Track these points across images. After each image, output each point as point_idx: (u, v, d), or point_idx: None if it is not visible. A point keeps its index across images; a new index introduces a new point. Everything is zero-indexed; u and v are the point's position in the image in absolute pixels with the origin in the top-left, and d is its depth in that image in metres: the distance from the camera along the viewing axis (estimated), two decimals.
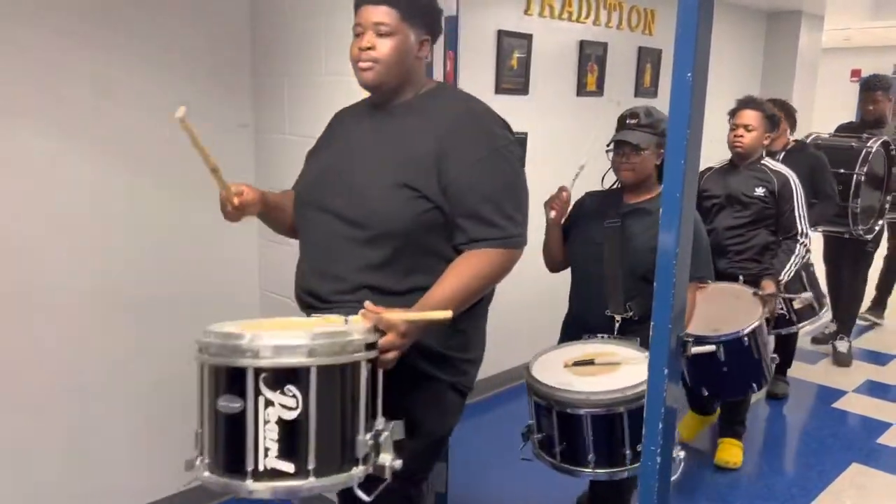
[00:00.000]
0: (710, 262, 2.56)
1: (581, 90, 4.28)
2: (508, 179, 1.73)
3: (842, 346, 4.77)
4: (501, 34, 3.75)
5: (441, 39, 2.41)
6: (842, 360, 4.71)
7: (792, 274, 3.21)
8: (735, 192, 3.28)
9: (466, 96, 1.86)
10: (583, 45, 4.23)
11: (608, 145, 2.47)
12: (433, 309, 1.58)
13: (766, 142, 3.33)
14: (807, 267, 3.55)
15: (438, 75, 2.42)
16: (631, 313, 2.39)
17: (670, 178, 1.52)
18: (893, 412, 4.00)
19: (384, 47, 1.71)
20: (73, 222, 2.46)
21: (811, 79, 5.80)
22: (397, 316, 1.52)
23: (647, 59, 4.69)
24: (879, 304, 5.55)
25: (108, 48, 2.46)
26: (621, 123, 2.45)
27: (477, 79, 3.65)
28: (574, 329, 2.56)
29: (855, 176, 4.00)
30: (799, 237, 3.23)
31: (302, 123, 2.69)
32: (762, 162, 3.31)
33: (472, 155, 1.68)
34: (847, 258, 4.65)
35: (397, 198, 1.67)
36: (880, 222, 4.39)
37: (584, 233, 2.53)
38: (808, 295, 3.39)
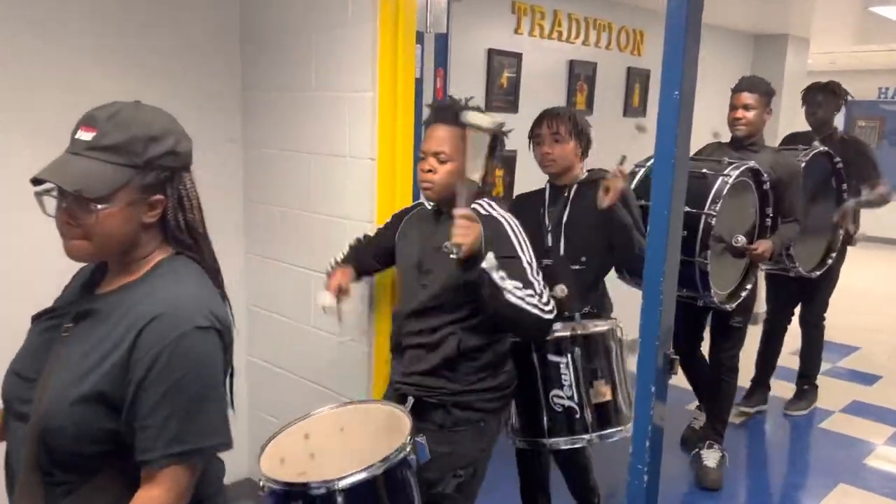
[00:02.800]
0: (224, 427, 1.26)
1: None
2: None
3: (709, 457, 3.35)
4: (492, 53, 3.78)
5: (431, 56, 2.43)
6: (708, 477, 3.31)
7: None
8: (425, 256, 2.07)
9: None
10: (572, 64, 4.27)
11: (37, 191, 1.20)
12: None
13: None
14: (612, 353, 2.32)
15: (428, 93, 2.44)
16: None
17: (657, 198, 1.53)
18: (879, 433, 4.00)
19: None
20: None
21: (797, 101, 5.86)
22: None
23: (636, 79, 4.73)
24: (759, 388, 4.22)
25: (95, 60, 2.45)
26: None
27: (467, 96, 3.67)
28: None
29: (704, 217, 2.80)
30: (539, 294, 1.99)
31: (291, 138, 2.68)
32: (474, 204, 2.03)
33: None
34: (716, 337, 3.39)
35: None
36: (749, 284, 3.16)
37: None
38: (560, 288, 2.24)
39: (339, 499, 1.69)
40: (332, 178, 2.53)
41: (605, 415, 2.24)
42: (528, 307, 1.88)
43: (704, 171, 2.92)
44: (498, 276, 1.84)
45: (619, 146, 4.22)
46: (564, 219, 2.50)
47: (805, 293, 3.99)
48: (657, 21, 4.84)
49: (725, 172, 2.88)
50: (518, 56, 3.91)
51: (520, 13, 3.89)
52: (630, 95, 4.73)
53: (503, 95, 3.87)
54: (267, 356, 2.96)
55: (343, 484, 1.68)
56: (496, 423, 2.11)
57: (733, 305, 3.09)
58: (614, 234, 2.41)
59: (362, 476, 1.69)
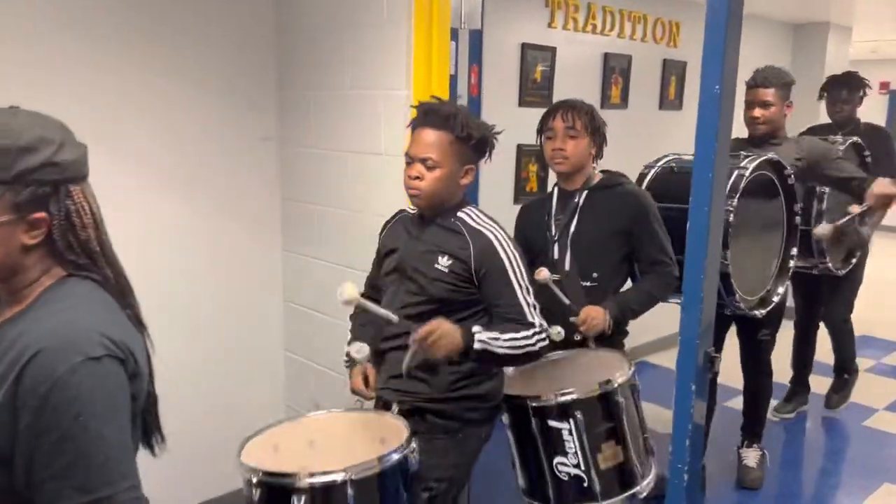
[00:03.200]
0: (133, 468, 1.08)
1: (605, 102, 4.26)
2: None
3: (749, 456, 3.29)
4: (525, 47, 3.75)
5: (465, 53, 2.43)
6: (748, 476, 3.25)
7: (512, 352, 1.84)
8: (406, 261, 1.94)
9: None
10: (607, 57, 4.22)
11: None
12: None
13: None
14: (622, 408, 1.98)
15: (463, 89, 2.43)
16: None
17: (698, 192, 1.51)
18: None
19: None
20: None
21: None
22: None
23: (672, 71, 4.67)
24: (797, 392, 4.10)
25: (135, 61, 2.50)
26: None
27: (500, 92, 3.66)
28: None
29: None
30: (534, 328, 1.84)
31: (327, 137, 2.70)
32: (460, 213, 1.91)
33: None
34: (743, 349, 3.21)
35: None
36: (781, 288, 2.86)
37: None
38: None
39: (350, 490, 1.52)
40: (368, 175, 2.54)
41: (617, 479, 1.97)
42: (521, 352, 1.81)
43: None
44: (494, 344, 1.76)
45: (655, 140, 4.19)
46: (572, 228, 2.28)
47: (826, 293, 3.81)
48: (693, 12, 4.79)
49: (741, 165, 2.56)
50: (552, 50, 3.88)
51: (553, 6, 3.86)
52: (666, 88, 4.67)
53: (537, 90, 3.85)
54: (303, 352, 2.99)
55: (355, 474, 1.52)
56: (477, 438, 1.95)
57: (763, 312, 2.77)
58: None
59: (372, 469, 1.54)
